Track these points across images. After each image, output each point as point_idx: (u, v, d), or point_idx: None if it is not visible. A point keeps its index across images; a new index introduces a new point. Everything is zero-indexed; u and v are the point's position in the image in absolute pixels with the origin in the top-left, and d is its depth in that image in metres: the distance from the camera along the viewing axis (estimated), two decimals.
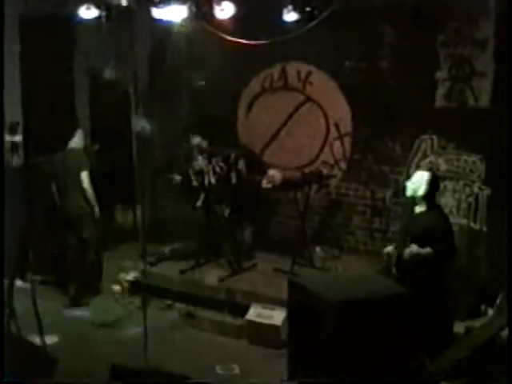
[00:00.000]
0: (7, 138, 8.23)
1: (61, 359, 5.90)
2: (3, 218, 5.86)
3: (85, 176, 8.06)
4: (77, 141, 8.28)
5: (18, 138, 8.44)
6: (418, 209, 6.29)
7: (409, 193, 6.31)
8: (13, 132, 8.33)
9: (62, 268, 8.35)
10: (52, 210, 8.42)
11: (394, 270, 6.27)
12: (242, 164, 8.54)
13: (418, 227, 6.19)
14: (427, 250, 6.01)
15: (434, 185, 6.28)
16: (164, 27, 8.51)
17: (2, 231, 5.82)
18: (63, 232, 8.33)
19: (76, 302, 8.02)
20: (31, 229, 7.64)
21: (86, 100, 9.73)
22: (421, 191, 6.20)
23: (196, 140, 8.56)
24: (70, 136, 8.22)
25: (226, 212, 8.50)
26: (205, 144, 8.55)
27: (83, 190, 8.04)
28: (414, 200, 6.30)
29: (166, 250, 8.83)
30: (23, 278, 7.45)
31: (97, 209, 8.13)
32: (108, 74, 9.46)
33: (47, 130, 8.72)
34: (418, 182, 6.25)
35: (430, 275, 6.05)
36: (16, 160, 8.42)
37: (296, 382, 5.41)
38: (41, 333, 6.00)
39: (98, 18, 7.74)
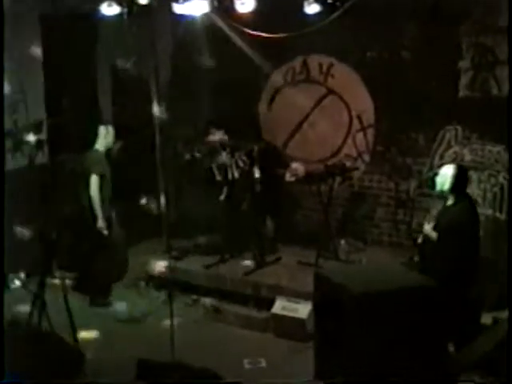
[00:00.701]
0: (31, 137, 8.20)
1: (89, 355, 5.96)
2: (3, 218, 5.90)
3: (93, 180, 7.75)
4: (101, 141, 8.00)
5: (43, 135, 8.48)
6: (448, 202, 6.29)
7: (437, 187, 6.32)
8: (38, 130, 8.36)
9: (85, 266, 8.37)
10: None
11: (416, 259, 6.33)
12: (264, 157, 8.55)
13: (446, 220, 6.22)
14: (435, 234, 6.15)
15: (461, 178, 6.25)
16: (185, 22, 8.53)
17: (2, 231, 5.85)
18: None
19: (97, 301, 7.99)
20: (59, 226, 7.65)
21: (108, 97, 9.77)
22: (447, 185, 6.19)
23: (219, 135, 8.57)
24: (93, 133, 8.15)
25: (250, 206, 8.51)
26: (227, 138, 8.55)
27: (89, 196, 7.78)
28: (443, 194, 6.30)
29: (190, 244, 8.86)
30: (51, 275, 7.50)
31: (100, 221, 7.79)
32: (130, 70, 9.49)
33: (71, 127, 8.77)
34: (444, 176, 6.25)
35: (453, 266, 6.02)
36: (41, 158, 8.49)
37: (322, 382, 5.41)
38: (73, 329, 6.03)
39: (120, 14, 7.76)
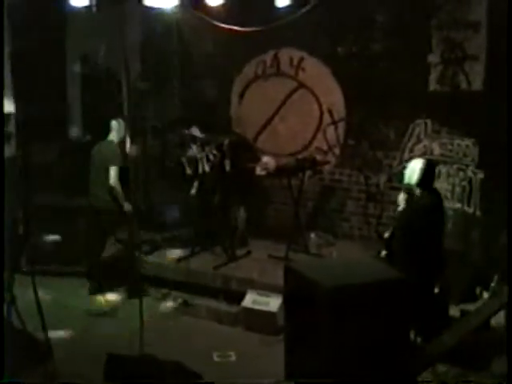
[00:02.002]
0: None
1: (58, 350, 5.91)
2: (3, 218, 5.84)
3: (113, 171, 7.91)
4: (114, 133, 8.12)
5: (11, 127, 8.38)
6: (415, 195, 6.35)
7: (405, 180, 6.37)
8: (5, 122, 8.27)
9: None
10: None
11: (383, 254, 6.40)
12: (235, 151, 8.53)
13: (412, 213, 6.29)
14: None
15: (428, 172, 6.31)
16: (155, 15, 8.48)
17: (2, 231, 5.80)
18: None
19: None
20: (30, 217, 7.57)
21: (77, 88, 9.68)
22: (415, 179, 6.25)
23: (189, 128, 8.53)
24: (62, 124, 8.12)
25: (220, 200, 8.49)
26: (198, 132, 8.52)
27: (110, 186, 7.90)
28: (410, 187, 6.36)
29: (161, 238, 8.83)
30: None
31: (127, 205, 7.89)
32: (99, 62, 9.42)
33: (39, 119, 8.67)
34: (412, 170, 6.31)
35: (419, 259, 6.08)
36: (8, 150, 8.38)
37: (292, 383, 5.42)
38: (42, 322, 5.98)
39: (89, 6, 7.69)
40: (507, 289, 5.94)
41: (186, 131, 8.48)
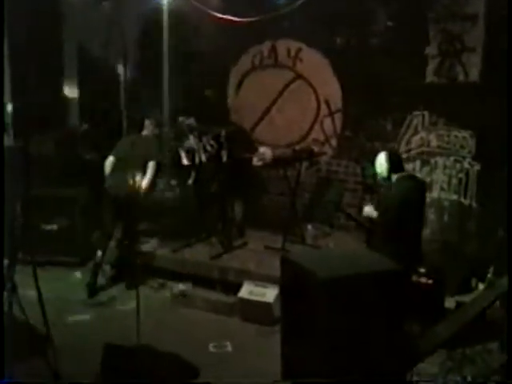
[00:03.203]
0: None
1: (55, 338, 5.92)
2: (3, 215, 5.84)
3: (152, 165, 7.99)
4: (151, 128, 8.27)
5: (8, 118, 8.37)
6: (391, 182, 6.43)
7: (379, 174, 6.50)
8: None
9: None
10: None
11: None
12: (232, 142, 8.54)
13: (388, 199, 6.42)
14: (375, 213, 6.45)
15: (393, 159, 6.42)
16: (153, 5, 8.46)
17: (2, 229, 5.79)
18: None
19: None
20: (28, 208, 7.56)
21: (75, 78, 9.67)
22: (384, 169, 6.37)
23: (186, 119, 8.53)
24: (58, 115, 8.09)
25: (217, 190, 8.49)
26: (195, 122, 8.51)
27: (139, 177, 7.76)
28: (384, 178, 6.48)
29: (157, 228, 8.84)
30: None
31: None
32: (97, 52, 9.40)
33: (36, 110, 8.66)
34: (379, 163, 6.43)
35: (397, 244, 6.11)
36: (6, 140, 8.38)
37: (290, 382, 5.43)
38: (43, 313, 5.98)
39: None
40: (506, 279, 5.96)
41: (182, 120, 8.48)
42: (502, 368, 5.47)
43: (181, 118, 8.55)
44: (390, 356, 5.10)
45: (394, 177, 6.36)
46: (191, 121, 8.48)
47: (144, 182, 7.89)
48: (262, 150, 8.49)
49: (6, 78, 8.48)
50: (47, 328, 5.84)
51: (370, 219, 6.69)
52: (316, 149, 8.72)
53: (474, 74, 7.72)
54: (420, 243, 6.38)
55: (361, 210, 6.90)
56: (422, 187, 6.61)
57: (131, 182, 7.75)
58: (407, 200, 6.29)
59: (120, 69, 9.46)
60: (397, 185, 6.34)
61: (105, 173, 8.06)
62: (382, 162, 6.41)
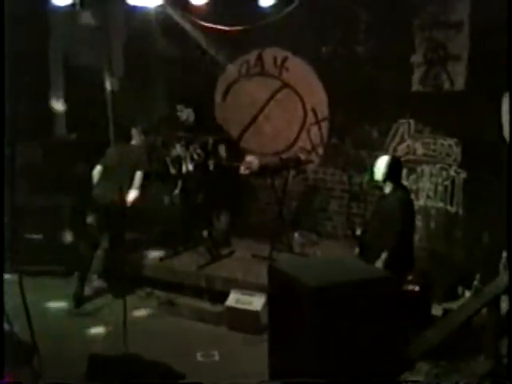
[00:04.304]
0: None
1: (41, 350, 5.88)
2: (3, 219, 5.82)
3: (139, 175, 7.97)
4: (138, 137, 8.23)
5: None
6: (386, 190, 6.44)
7: (375, 177, 6.47)
8: None
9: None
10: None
11: (356, 251, 6.48)
12: (220, 150, 8.54)
13: (383, 208, 6.40)
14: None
15: (394, 167, 6.40)
16: (139, 14, 8.45)
17: (2, 232, 5.77)
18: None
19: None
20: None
21: (60, 88, 9.64)
22: (382, 175, 6.35)
23: (187, 113, 8.50)
24: (45, 124, 8.04)
25: (204, 199, 8.48)
26: (193, 114, 8.50)
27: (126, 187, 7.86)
28: (378, 183, 6.51)
29: (144, 237, 8.82)
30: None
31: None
32: (83, 61, 9.37)
33: (21, 118, 8.62)
34: (379, 167, 6.41)
35: (392, 256, 6.11)
36: None
37: (279, 382, 5.42)
38: (29, 322, 5.95)
39: (72, 4, 7.65)
40: (493, 286, 5.99)
41: (180, 109, 8.45)
42: (490, 374, 5.49)
43: (179, 107, 8.52)
44: (378, 363, 5.11)
45: (390, 185, 6.36)
46: (189, 111, 8.45)
47: (131, 193, 7.87)
48: (248, 158, 8.49)
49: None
50: (33, 337, 5.81)
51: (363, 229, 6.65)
52: (303, 157, 8.74)
53: (460, 82, 7.76)
54: (412, 250, 6.40)
55: (354, 232, 6.85)
56: (409, 195, 6.65)
57: (118, 191, 7.76)
58: (410, 210, 6.34)
59: (106, 78, 9.42)
60: (397, 194, 6.33)
61: (92, 182, 8.04)
62: (381, 166, 6.38)
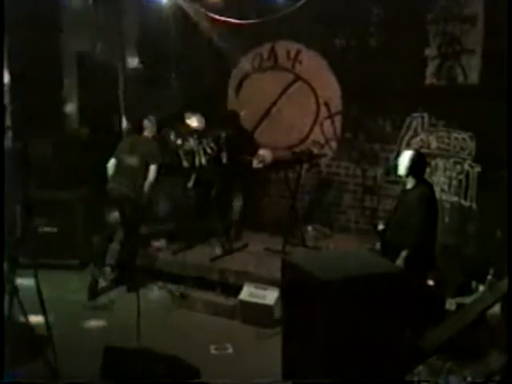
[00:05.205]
0: None
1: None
2: (3, 216, 5.84)
3: (153, 169, 7.95)
4: (149, 130, 8.20)
5: (7, 121, 8.36)
6: (407, 186, 6.43)
7: (398, 172, 6.45)
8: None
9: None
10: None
11: (378, 246, 6.48)
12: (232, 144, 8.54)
13: (405, 203, 6.40)
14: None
15: (418, 162, 6.38)
16: (152, 7, 8.46)
17: (3, 230, 5.80)
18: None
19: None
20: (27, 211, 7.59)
21: (74, 82, 9.66)
22: (405, 170, 6.33)
23: (195, 119, 8.50)
24: (58, 118, 8.06)
25: (217, 192, 8.48)
26: (204, 122, 8.48)
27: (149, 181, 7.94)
28: (401, 178, 6.51)
29: (157, 230, 8.84)
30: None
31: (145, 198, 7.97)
32: (96, 55, 9.39)
33: (35, 113, 8.65)
34: (403, 161, 6.39)
35: (413, 254, 6.10)
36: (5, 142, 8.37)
37: (291, 382, 5.43)
38: (44, 314, 5.98)
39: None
40: (506, 281, 5.96)
41: (191, 120, 8.45)
42: (502, 369, 5.46)
43: (186, 114, 8.51)
44: (390, 357, 5.10)
45: (413, 181, 6.34)
46: (198, 117, 8.43)
47: (146, 185, 7.90)
48: (261, 152, 8.48)
49: (4, 81, 8.49)
50: (48, 329, 5.84)
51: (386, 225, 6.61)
52: (316, 151, 8.73)
53: (474, 76, 7.72)
54: (434, 247, 6.37)
55: (375, 226, 6.81)
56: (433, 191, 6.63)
57: (132, 185, 7.80)
58: (433, 206, 6.34)
59: (119, 70, 9.44)
60: (420, 189, 6.31)
61: (107, 175, 8.06)
62: (405, 161, 6.35)
